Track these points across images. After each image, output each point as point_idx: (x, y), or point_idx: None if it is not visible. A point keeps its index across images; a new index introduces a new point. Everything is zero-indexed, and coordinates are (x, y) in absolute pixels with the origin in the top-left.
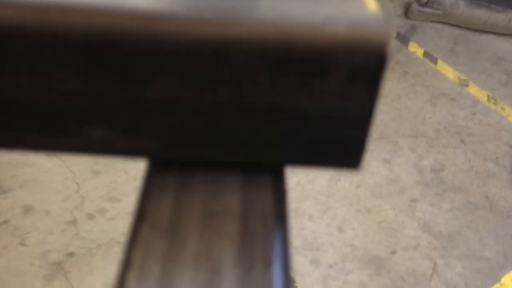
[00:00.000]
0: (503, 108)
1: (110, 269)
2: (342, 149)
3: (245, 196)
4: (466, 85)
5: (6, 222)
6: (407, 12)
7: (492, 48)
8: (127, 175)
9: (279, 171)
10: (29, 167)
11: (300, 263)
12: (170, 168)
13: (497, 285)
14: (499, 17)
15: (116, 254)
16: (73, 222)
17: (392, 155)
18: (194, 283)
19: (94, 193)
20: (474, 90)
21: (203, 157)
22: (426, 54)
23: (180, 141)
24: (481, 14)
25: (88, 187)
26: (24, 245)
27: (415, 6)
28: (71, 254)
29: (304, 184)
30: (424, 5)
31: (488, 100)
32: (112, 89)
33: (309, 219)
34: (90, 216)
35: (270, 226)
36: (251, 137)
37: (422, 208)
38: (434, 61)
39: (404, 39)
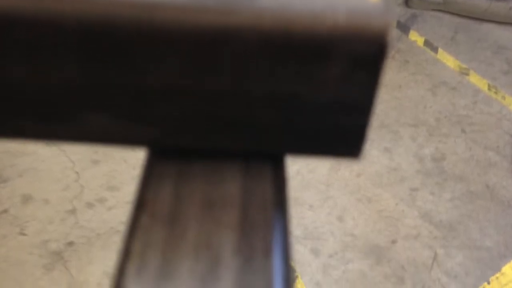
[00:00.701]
0: (504, 97)
1: (109, 259)
2: (343, 137)
3: (245, 185)
4: (467, 74)
5: (5, 211)
6: (407, 1)
7: (493, 37)
8: (126, 164)
9: (279, 160)
10: (28, 156)
11: (300, 252)
12: (169, 157)
13: (497, 274)
14: (500, 6)
15: (116, 243)
16: (73, 211)
17: (393, 144)
18: (194, 273)
19: (94, 182)
20: (475, 79)
21: (203, 145)
22: (426, 43)
23: (180, 129)
24: (481, 2)
25: (88, 176)
26: (24, 234)
27: None
28: (70, 244)
29: (304, 173)
30: None
31: (489, 89)
32: (112, 77)
33: (309, 208)
34: (90, 205)
35: (270, 215)
36: (251, 125)
37: (423, 197)
38: (435, 50)
39: (404, 28)
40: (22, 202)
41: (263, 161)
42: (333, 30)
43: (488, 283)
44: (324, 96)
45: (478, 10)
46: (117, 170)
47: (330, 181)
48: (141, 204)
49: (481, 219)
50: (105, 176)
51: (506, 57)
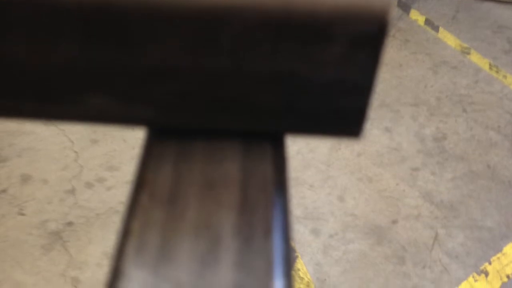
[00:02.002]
0: (505, 76)
1: (108, 239)
2: (343, 117)
3: (245, 165)
4: (468, 53)
5: (4, 191)
6: None
7: (493, 16)
8: (125, 143)
9: (279, 139)
10: (27, 136)
11: (300, 233)
12: (169, 137)
13: (499, 254)
14: None
15: (115, 223)
16: (72, 191)
17: (393, 124)
18: (194, 253)
19: (93, 162)
20: (476, 58)
21: (202, 125)
22: (427, 21)
23: (180, 109)
24: None
25: (87, 156)
26: (22, 214)
27: None
28: (69, 224)
29: (305, 153)
30: None
31: (490, 68)
32: (111, 57)
33: (309, 188)
34: (89, 185)
35: (270, 195)
36: (251, 104)
37: (424, 177)
38: (436, 28)
39: (405, 7)
40: (21, 182)
41: (263, 141)
42: (334, 9)
43: (489, 263)
44: (325, 75)
45: None
46: (117, 149)
47: (330, 160)
48: (141, 184)
49: (482, 199)
50: (104, 156)
51: (507, 36)
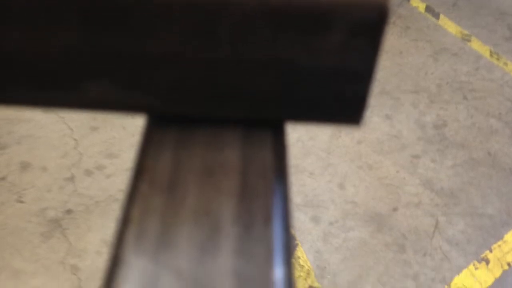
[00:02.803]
0: (506, 64)
1: (108, 226)
2: (343, 104)
3: (245, 152)
4: (469, 40)
5: (3, 178)
6: None
7: (495, 3)
8: (125, 131)
9: (279, 127)
10: (26, 123)
11: (300, 220)
12: (169, 125)
13: (499, 242)
14: None
15: (115, 211)
16: (71, 179)
17: (394, 111)
18: (194, 240)
19: (92, 149)
20: (476, 45)
21: (202, 113)
22: (428, 8)
23: (180, 96)
24: None
25: (86, 143)
26: (22, 202)
27: None
28: (69, 211)
29: (305, 141)
30: None
31: (491, 55)
32: (111, 45)
33: (309, 176)
34: (88, 173)
35: (270, 182)
36: (251, 92)
37: (424, 164)
38: (436, 15)
39: None
40: (20, 170)
41: (263, 128)
42: None
43: (490, 251)
44: (325, 63)
45: None
46: (116, 137)
47: (330, 148)
48: (140, 172)
49: (483, 187)
50: (104, 143)
51: (508, 23)
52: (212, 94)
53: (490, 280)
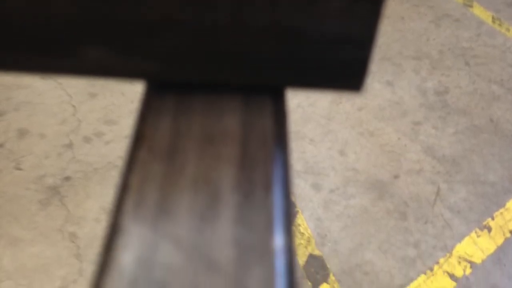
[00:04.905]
0: (508, 29)
1: (107, 194)
2: (344, 70)
3: (245, 119)
4: (471, 6)
5: (1, 145)
6: None
7: None
8: (124, 97)
9: (279, 93)
10: (24, 90)
11: (301, 188)
12: (168, 91)
13: (502, 209)
14: None
15: (113, 178)
16: (69, 146)
17: (395, 77)
18: (193, 208)
19: (91, 116)
20: (478, 11)
21: (202, 79)
22: None
23: (179, 62)
24: None
25: (85, 110)
26: (20, 169)
27: None
28: (67, 178)
29: (305, 107)
30: None
31: (493, 21)
32: (111, 11)
33: (310, 143)
34: (87, 140)
35: (270, 149)
36: (251, 58)
37: (426, 131)
38: None
39: None
40: (18, 136)
41: (263, 95)
42: None
43: (492, 218)
44: (325, 29)
45: None
46: (115, 103)
47: (331, 114)
48: (139, 139)
49: (485, 154)
50: (102, 110)
51: None
52: (212, 60)
53: (492, 248)
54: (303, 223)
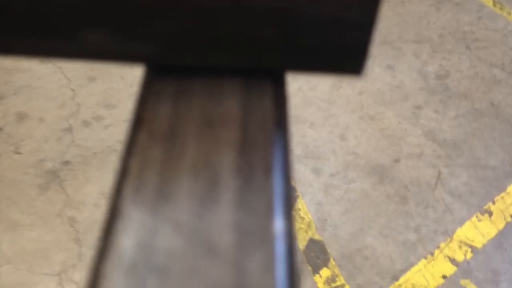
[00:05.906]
0: (509, 13)
1: (106, 178)
2: (344, 54)
3: (245, 103)
4: None
5: (0, 130)
6: None
7: None
8: (123, 81)
9: (279, 77)
10: (23, 73)
11: (301, 172)
12: (168, 75)
13: (503, 194)
14: None
15: (113, 162)
16: (69, 130)
17: (396, 61)
18: (193, 192)
19: (90, 100)
20: None
21: (202, 62)
22: None
23: (179, 46)
24: None
25: (84, 94)
26: (19, 153)
27: None
28: (66, 163)
29: (305, 91)
30: None
31: (494, 5)
32: None
33: (310, 127)
34: (86, 124)
35: (270, 133)
36: (250, 40)
37: (426, 115)
38: None
39: None
40: (17, 120)
41: (263, 79)
42: None
43: (493, 202)
44: (325, 12)
45: None
46: (114, 87)
47: (331, 98)
48: (139, 122)
49: (486, 138)
50: (102, 94)
51: None
52: (212, 43)
53: (493, 232)
54: (303, 208)
